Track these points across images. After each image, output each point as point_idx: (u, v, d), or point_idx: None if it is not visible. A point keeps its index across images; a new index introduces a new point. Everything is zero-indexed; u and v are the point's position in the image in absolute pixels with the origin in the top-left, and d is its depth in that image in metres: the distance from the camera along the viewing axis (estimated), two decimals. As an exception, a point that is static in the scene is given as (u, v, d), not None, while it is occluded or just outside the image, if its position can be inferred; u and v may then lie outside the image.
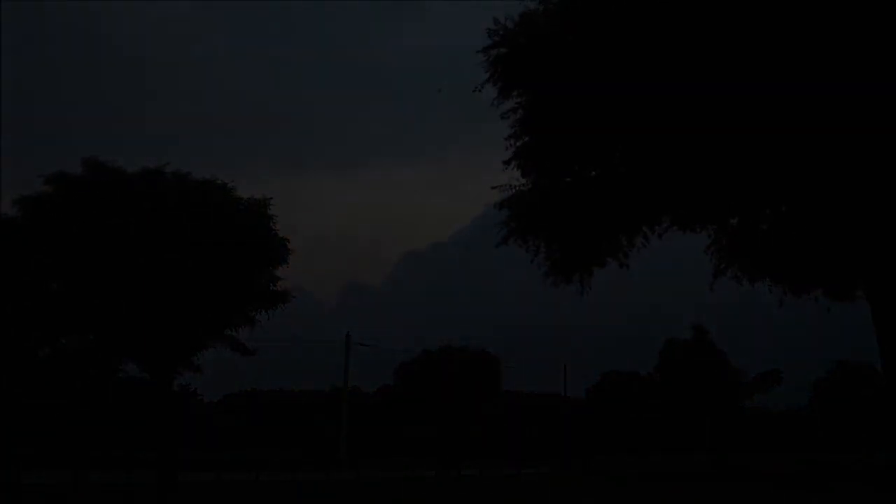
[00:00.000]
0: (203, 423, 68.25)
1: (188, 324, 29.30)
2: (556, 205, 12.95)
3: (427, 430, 69.70)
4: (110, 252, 27.79)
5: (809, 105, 10.63)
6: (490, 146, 13.90)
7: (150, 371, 31.42)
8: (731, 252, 13.31)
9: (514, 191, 13.35)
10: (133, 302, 27.99)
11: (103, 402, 48.36)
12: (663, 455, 69.67)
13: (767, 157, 11.24)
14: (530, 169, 13.04)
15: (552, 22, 11.95)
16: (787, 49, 10.40)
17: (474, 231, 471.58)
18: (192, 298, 28.54)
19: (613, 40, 11.35)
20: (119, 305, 28.11)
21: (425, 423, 69.48)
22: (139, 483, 32.18)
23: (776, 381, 66.32)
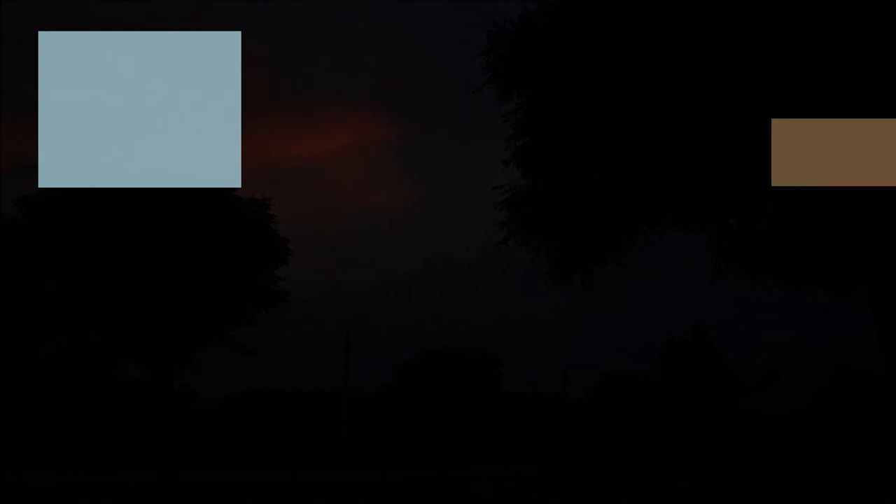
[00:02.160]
0: (203, 423, 68.04)
1: (188, 323, 29.33)
2: (557, 205, 12.95)
3: (427, 430, 69.65)
4: (110, 252, 27.80)
5: (808, 106, 10.61)
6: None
7: (150, 371, 31.43)
8: (731, 252, 13.30)
9: (513, 191, 13.34)
10: (133, 302, 28.01)
11: (103, 402, 48.34)
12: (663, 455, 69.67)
13: (767, 157, 11.23)
14: (530, 169, 13.03)
15: (551, 23, 11.95)
16: (783, 50, 10.39)
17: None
18: (192, 298, 28.57)
19: (612, 41, 11.33)
20: (118, 305, 28.14)
21: (425, 423, 69.40)
22: (139, 483, 32.11)
23: (776, 381, 66.22)
